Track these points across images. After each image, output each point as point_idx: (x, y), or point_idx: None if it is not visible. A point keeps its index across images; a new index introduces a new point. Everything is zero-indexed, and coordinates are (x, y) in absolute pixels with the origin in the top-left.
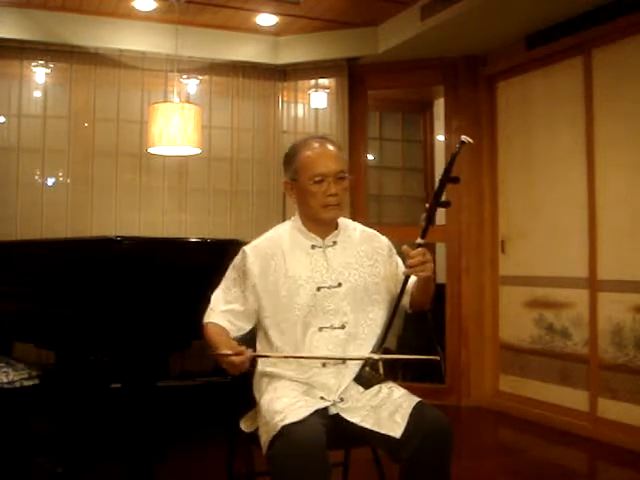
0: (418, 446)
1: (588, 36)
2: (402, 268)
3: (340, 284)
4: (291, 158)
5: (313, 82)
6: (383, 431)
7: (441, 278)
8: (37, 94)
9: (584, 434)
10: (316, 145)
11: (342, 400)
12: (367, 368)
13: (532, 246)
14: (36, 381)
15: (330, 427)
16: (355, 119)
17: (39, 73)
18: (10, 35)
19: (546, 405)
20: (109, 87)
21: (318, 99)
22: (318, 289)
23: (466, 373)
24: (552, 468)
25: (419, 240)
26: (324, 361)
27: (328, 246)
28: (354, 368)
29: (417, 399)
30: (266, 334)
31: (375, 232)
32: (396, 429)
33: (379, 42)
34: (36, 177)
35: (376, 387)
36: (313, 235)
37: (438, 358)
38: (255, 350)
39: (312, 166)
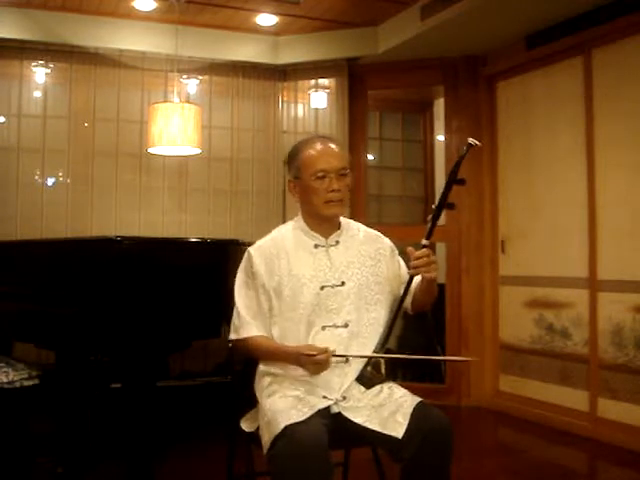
0: (419, 446)
1: (588, 36)
2: (404, 269)
3: (343, 283)
4: (294, 156)
5: (313, 82)
6: (385, 431)
7: (441, 278)
8: (37, 94)
9: (584, 434)
10: (318, 143)
11: (344, 399)
12: (369, 368)
13: (532, 246)
14: (36, 381)
15: (332, 427)
16: (355, 119)
17: (39, 73)
18: (10, 35)
19: (546, 405)
20: (109, 87)
21: (318, 99)
22: (322, 288)
23: (466, 373)
24: (552, 468)
25: (424, 241)
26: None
27: (331, 245)
28: (357, 367)
29: (418, 399)
30: (270, 333)
31: (378, 233)
32: (398, 429)
33: (379, 42)
34: (36, 177)
35: (377, 387)
36: (316, 234)
37: (469, 359)
38: None
39: (314, 163)
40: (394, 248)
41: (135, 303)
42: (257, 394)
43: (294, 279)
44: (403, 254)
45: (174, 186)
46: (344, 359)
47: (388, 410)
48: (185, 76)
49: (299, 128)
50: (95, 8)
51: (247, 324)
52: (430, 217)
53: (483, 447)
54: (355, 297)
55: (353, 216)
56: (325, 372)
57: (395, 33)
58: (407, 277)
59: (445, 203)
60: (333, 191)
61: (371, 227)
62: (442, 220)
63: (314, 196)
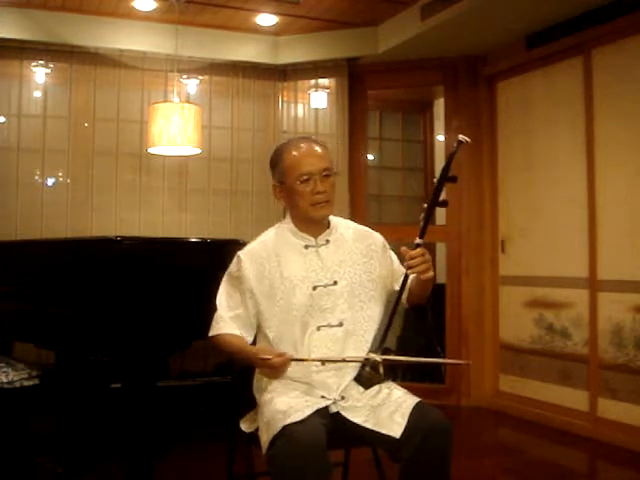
0: (418, 446)
1: (588, 36)
2: (397, 263)
3: (336, 282)
4: (277, 161)
5: (313, 82)
6: (383, 431)
7: (441, 278)
8: (37, 94)
9: (584, 434)
10: (300, 145)
11: (343, 398)
12: (367, 368)
13: (532, 246)
14: (36, 381)
15: (330, 426)
16: (355, 119)
17: (39, 73)
18: (10, 35)
19: (546, 405)
20: (109, 87)
21: (318, 99)
22: (314, 288)
23: (466, 373)
24: (552, 468)
25: (418, 240)
26: (326, 361)
27: (321, 245)
28: (355, 366)
29: (417, 399)
30: (265, 336)
31: (368, 229)
32: (396, 429)
33: (379, 42)
34: (36, 177)
35: (376, 387)
36: (305, 235)
37: (469, 362)
38: None
39: (298, 166)
40: (386, 243)
41: (135, 303)
42: (256, 394)
43: (286, 281)
44: (399, 254)
45: (174, 186)
46: (343, 362)
47: (387, 410)
48: (185, 76)
49: (299, 128)
50: (95, 8)
51: (222, 322)
52: (423, 216)
53: (483, 447)
54: (348, 295)
55: (353, 216)
56: (322, 373)
57: (395, 33)
58: (400, 271)
59: (437, 201)
60: (319, 193)
61: (371, 227)
62: (442, 220)
63: (300, 199)
